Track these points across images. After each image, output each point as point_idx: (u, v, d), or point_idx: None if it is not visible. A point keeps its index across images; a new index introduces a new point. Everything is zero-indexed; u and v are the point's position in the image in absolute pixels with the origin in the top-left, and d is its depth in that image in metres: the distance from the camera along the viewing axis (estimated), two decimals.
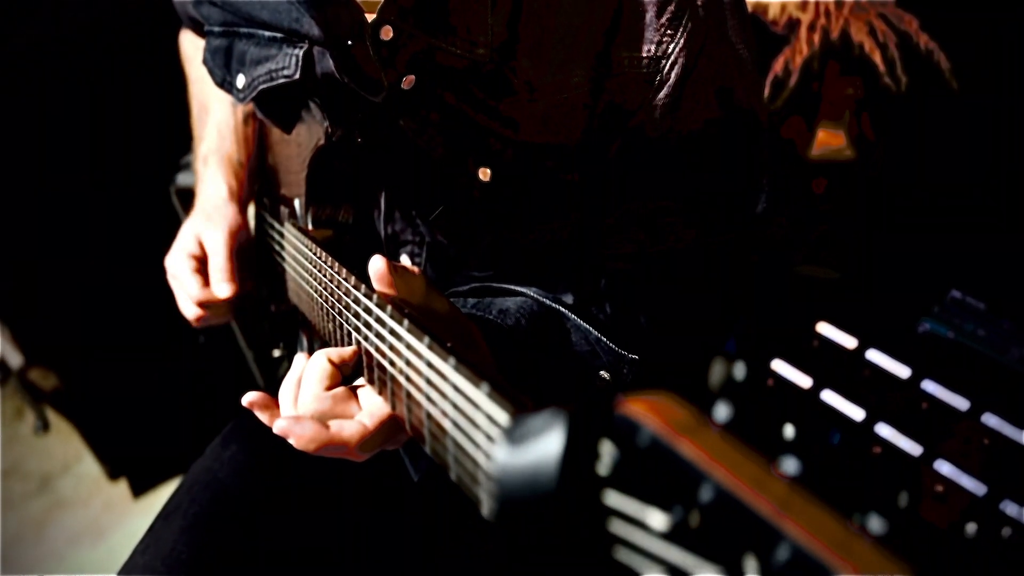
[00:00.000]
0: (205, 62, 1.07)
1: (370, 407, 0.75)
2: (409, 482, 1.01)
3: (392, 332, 0.68)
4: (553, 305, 0.93)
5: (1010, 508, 1.17)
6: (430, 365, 0.61)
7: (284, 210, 1.13)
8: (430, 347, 0.62)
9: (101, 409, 2.33)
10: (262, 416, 0.80)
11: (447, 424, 0.59)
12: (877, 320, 1.38)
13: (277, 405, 0.80)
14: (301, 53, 0.93)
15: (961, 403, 1.33)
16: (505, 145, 0.90)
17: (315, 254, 0.90)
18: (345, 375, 0.77)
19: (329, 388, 0.76)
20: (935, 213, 1.43)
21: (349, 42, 0.89)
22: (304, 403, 0.76)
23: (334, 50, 0.88)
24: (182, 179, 1.79)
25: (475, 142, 0.91)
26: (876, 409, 1.34)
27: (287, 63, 0.94)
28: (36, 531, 2.39)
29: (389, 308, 0.69)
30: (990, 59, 1.21)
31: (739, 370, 0.40)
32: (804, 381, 1.47)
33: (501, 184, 0.92)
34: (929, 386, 1.36)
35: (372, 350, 0.72)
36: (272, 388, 2.39)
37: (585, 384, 0.91)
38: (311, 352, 1.07)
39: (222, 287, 1.10)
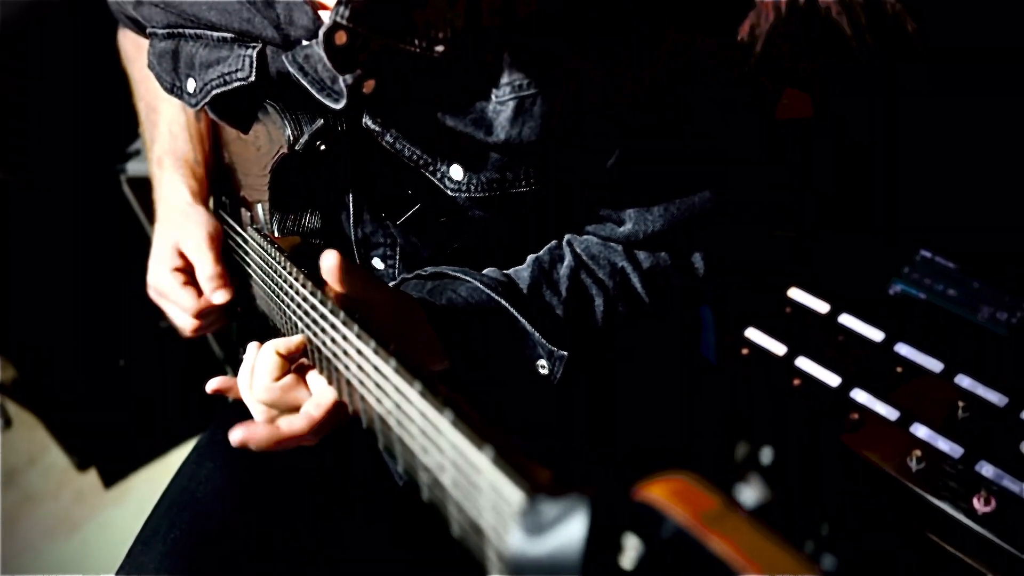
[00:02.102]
0: (151, 67, 1.01)
1: (317, 396, 0.82)
2: (394, 487, 1.00)
3: (377, 369, 0.66)
4: (492, 296, 0.93)
5: (986, 469, 1.19)
6: (424, 416, 0.59)
7: (246, 213, 1.09)
8: (423, 395, 0.59)
9: (64, 399, 2.29)
10: (227, 395, 0.90)
11: (447, 481, 0.56)
12: (848, 282, 1.38)
13: (235, 384, 0.88)
14: (255, 54, 0.88)
15: (935, 365, 1.34)
16: (476, 144, 0.87)
17: (284, 267, 0.86)
18: (292, 364, 0.84)
19: (278, 379, 0.82)
20: (901, 172, 1.43)
21: (304, 42, 0.84)
22: (257, 393, 0.83)
23: (289, 52, 0.84)
24: (133, 168, 1.72)
25: (444, 142, 0.87)
26: (851, 375, 1.34)
27: (240, 65, 0.90)
28: (7, 527, 2.35)
29: (374, 343, 0.67)
30: (955, 19, 1.20)
31: (767, 455, 0.38)
32: (779, 348, 1.47)
33: (474, 183, 0.89)
34: (903, 349, 1.38)
35: (353, 380, 0.71)
36: None
37: (524, 375, 0.94)
38: None
39: (218, 294, 1.07)
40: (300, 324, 0.83)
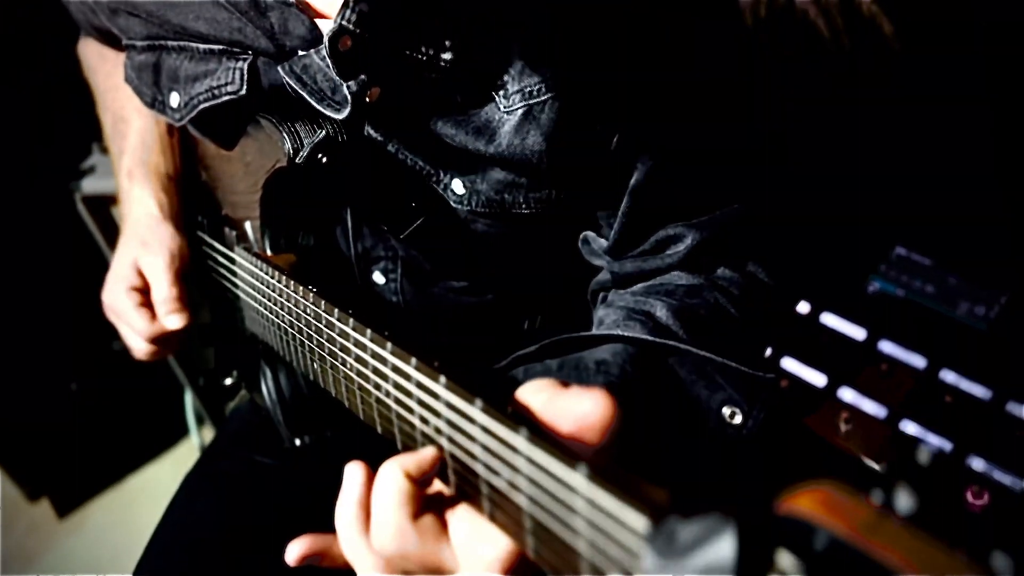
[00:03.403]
0: (129, 81, 0.96)
1: (477, 552, 0.56)
2: None
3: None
4: (657, 340, 0.78)
5: (976, 463, 1.21)
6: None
7: (231, 232, 1.04)
8: (530, 440, 0.50)
9: (12, 426, 2.19)
10: (320, 562, 0.67)
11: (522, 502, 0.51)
12: (826, 282, 1.40)
13: (334, 542, 0.64)
14: (245, 66, 0.84)
15: (919, 361, 1.36)
16: (476, 158, 0.84)
17: (288, 287, 0.81)
18: (426, 490, 0.60)
19: (416, 515, 0.57)
20: (874, 168, 1.45)
21: (301, 52, 0.80)
22: (383, 540, 0.58)
23: (285, 62, 0.80)
24: (88, 185, 1.65)
25: (445, 153, 0.85)
26: (837, 374, 1.35)
27: (230, 78, 0.86)
28: None
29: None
30: (931, 19, 1.22)
31: (923, 454, 0.37)
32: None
33: (474, 199, 0.86)
34: (886, 346, 1.39)
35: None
36: (216, 413, 2.28)
37: (706, 428, 0.78)
38: (276, 383, 1.00)
39: (172, 319, 1.02)
40: (314, 346, 0.78)
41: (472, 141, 0.83)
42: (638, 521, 0.44)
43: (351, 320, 0.69)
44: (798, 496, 0.39)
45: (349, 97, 0.78)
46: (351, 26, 0.73)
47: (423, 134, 0.84)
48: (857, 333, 1.30)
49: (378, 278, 0.98)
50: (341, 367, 0.73)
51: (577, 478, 0.47)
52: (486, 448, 0.54)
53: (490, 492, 0.55)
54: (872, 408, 1.21)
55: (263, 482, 1.02)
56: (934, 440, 1.15)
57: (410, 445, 0.64)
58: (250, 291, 0.94)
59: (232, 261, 1.00)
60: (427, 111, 0.83)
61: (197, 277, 1.11)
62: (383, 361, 0.65)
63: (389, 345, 0.64)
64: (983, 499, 1.09)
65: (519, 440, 0.51)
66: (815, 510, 0.38)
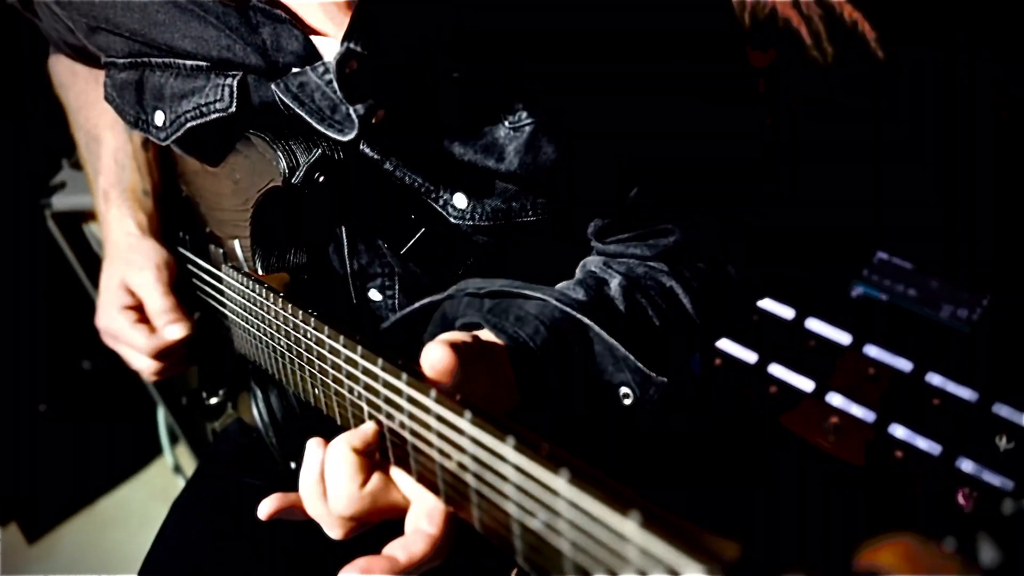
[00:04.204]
0: (109, 100, 0.93)
1: (421, 503, 0.66)
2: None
3: (430, 412, 0.59)
4: (576, 316, 0.84)
5: (965, 465, 1.21)
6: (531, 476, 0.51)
7: (216, 251, 1.02)
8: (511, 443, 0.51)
9: None
10: (289, 515, 0.74)
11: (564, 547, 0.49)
12: (809, 287, 1.40)
13: (299, 501, 0.72)
14: (235, 83, 0.82)
15: (904, 365, 1.36)
16: (484, 173, 0.83)
17: (284, 309, 0.78)
18: (373, 461, 0.68)
19: (364, 483, 0.67)
20: (854, 175, 1.46)
21: (295, 69, 0.79)
22: (338, 506, 0.67)
23: (279, 79, 0.78)
24: (59, 202, 1.61)
25: (448, 170, 0.83)
26: (824, 379, 1.36)
27: (219, 95, 0.83)
28: None
29: (436, 394, 0.59)
30: (915, 26, 1.23)
31: (1008, 505, 0.35)
32: (750, 356, 1.47)
33: (478, 212, 0.85)
34: (872, 351, 1.40)
35: (409, 436, 0.64)
36: (194, 435, 2.23)
37: (605, 402, 0.85)
38: (267, 405, 0.98)
39: (172, 329, 0.99)
40: (316, 371, 0.75)
41: (482, 159, 0.82)
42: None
43: (359, 348, 0.67)
44: (879, 550, 0.37)
45: (356, 120, 0.76)
46: (360, 48, 0.72)
47: (425, 152, 0.82)
48: (842, 338, 1.31)
49: (374, 295, 0.96)
50: (348, 395, 0.71)
51: (629, 526, 0.44)
52: (520, 488, 0.52)
53: (523, 533, 0.53)
54: (860, 412, 1.22)
55: (256, 506, 1.00)
56: (923, 443, 1.16)
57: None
58: (241, 312, 0.92)
59: (219, 280, 0.97)
60: (433, 130, 0.81)
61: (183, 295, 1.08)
62: (397, 392, 0.63)
63: (404, 376, 0.62)
64: (973, 500, 1.10)
65: (560, 483, 0.48)
66: (898, 565, 0.36)
